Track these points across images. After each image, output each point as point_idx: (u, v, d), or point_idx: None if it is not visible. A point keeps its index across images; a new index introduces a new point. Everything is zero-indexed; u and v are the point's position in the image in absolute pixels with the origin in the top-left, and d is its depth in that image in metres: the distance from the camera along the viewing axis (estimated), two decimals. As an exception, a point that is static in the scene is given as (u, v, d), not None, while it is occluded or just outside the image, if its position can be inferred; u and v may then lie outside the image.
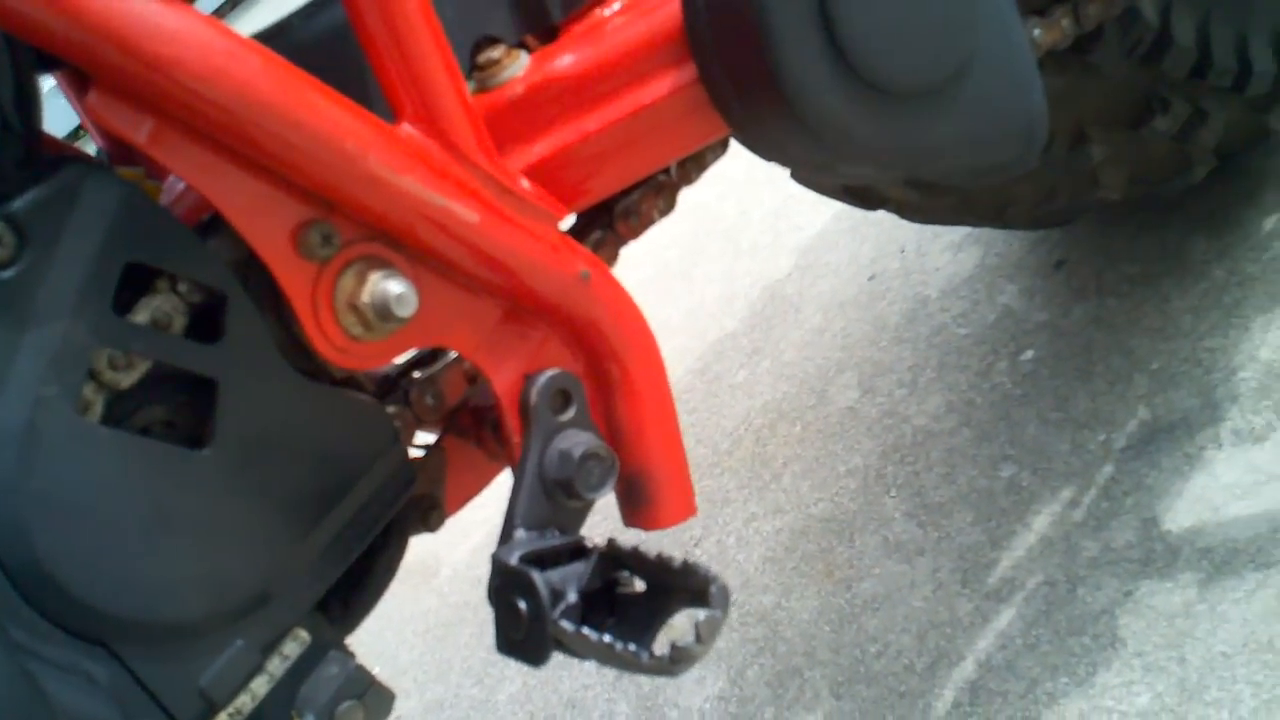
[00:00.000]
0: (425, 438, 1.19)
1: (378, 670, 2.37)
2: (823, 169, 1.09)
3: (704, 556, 2.14)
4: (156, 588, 0.87)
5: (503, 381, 1.02)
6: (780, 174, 3.05)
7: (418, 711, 2.35)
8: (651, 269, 3.13)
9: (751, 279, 2.85)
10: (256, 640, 0.94)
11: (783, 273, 2.77)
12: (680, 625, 0.88)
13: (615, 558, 0.94)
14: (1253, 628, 1.42)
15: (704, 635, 0.84)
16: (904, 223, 2.52)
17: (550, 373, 1.02)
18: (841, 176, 1.20)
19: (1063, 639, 1.58)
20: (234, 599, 0.92)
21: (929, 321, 2.27)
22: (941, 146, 1.03)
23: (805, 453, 2.21)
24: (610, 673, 2.09)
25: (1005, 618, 1.66)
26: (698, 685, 1.94)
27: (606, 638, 0.87)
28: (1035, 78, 1.08)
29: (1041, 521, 1.75)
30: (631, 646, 0.86)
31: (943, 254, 2.41)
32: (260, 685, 0.94)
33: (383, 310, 0.91)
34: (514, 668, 2.27)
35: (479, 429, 1.17)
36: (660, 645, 0.87)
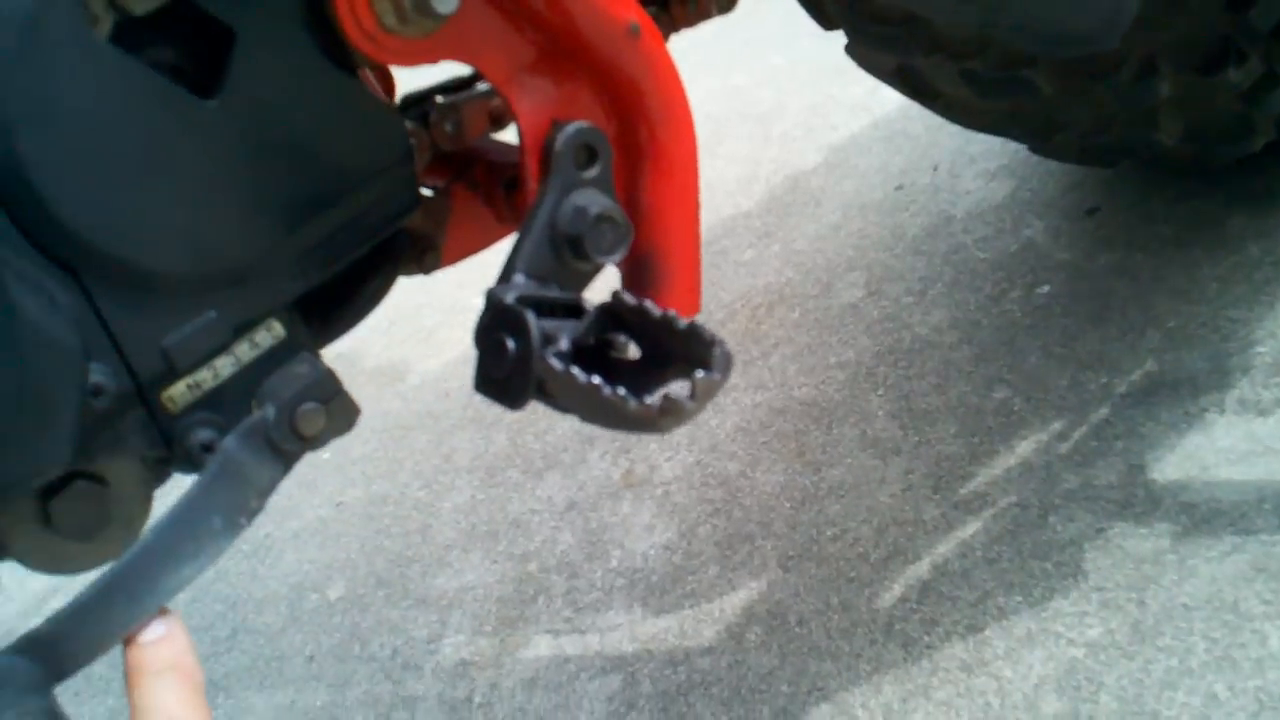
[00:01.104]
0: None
1: (326, 456, 2.38)
2: None
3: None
4: (136, 228, 0.84)
5: (529, 120, 0.97)
6: (821, 75, 3.03)
7: (362, 501, 2.34)
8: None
9: (776, 166, 2.82)
10: (228, 318, 0.90)
11: (809, 166, 2.74)
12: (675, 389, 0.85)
13: (616, 314, 0.91)
14: (1219, 587, 1.43)
15: (700, 393, 0.81)
16: (940, 142, 2.51)
17: (581, 123, 0.97)
18: (925, 6, 1.15)
19: (1024, 560, 1.58)
20: (210, 266, 0.88)
21: (949, 239, 2.26)
22: None
23: (799, 338, 2.20)
24: (559, 502, 2.09)
25: (970, 529, 1.66)
26: (646, 532, 1.94)
27: (595, 379, 0.83)
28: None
29: (1025, 447, 1.74)
30: (620, 390, 0.82)
31: (975, 179, 2.39)
32: (224, 365, 0.91)
33: (422, 2, 0.87)
34: (464, 479, 2.26)
35: (491, 186, 1.13)
36: (651, 398, 0.84)
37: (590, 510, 2.05)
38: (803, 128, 2.95)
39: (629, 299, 0.89)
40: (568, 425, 2.25)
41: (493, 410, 2.41)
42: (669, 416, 0.83)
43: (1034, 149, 2.07)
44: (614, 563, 1.92)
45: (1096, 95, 1.77)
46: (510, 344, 0.90)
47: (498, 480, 2.22)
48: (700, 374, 0.82)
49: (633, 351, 0.92)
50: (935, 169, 2.50)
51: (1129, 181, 2.16)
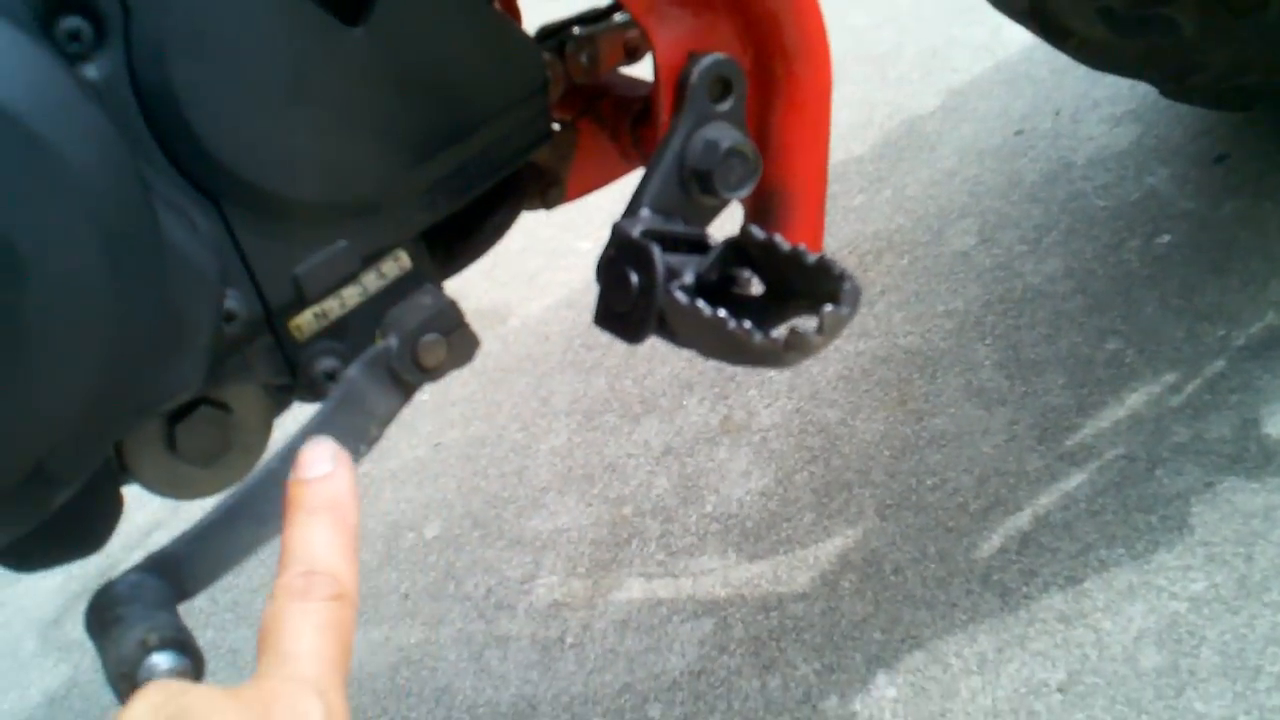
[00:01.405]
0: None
1: (425, 398, 2.39)
2: None
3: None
4: (278, 157, 0.84)
5: (666, 51, 0.96)
6: (944, 15, 2.95)
7: (460, 443, 2.35)
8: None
9: (891, 110, 2.75)
10: (358, 248, 0.91)
11: (926, 110, 2.67)
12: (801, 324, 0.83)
13: (742, 249, 0.89)
14: (1334, 544, 1.36)
15: (827, 327, 0.79)
16: (1064, 86, 2.43)
17: (717, 55, 0.95)
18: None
19: (1129, 512, 1.52)
20: (346, 196, 0.89)
21: (1068, 187, 2.18)
22: None
23: (906, 285, 2.14)
24: (655, 446, 2.07)
25: (1074, 481, 1.61)
26: (742, 478, 1.91)
27: (721, 312, 0.82)
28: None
29: (1136, 399, 1.68)
30: (746, 324, 0.81)
31: (1099, 125, 2.30)
32: (352, 295, 0.92)
33: None
34: (561, 423, 2.25)
35: (618, 122, 1.12)
36: (777, 331, 0.82)
37: (686, 455, 2.02)
38: (921, 69, 2.87)
39: (758, 233, 0.87)
40: (666, 370, 2.23)
41: (592, 354, 2.40)
42: (794, 351, 0.81)
43: (1166, 92, 1.98)
44: (709, 508, 1.89)
45: (1239, 34, 1.68)
46: (634, 277, 0.89)
47: (595, 424, 2.21)
48: (829, 308, 0.80)
49: (756, 288, 0.91)
50: (1058, 114, 2.41)
51: (1261, 127, 2.06)
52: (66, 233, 0.71)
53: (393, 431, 2.40)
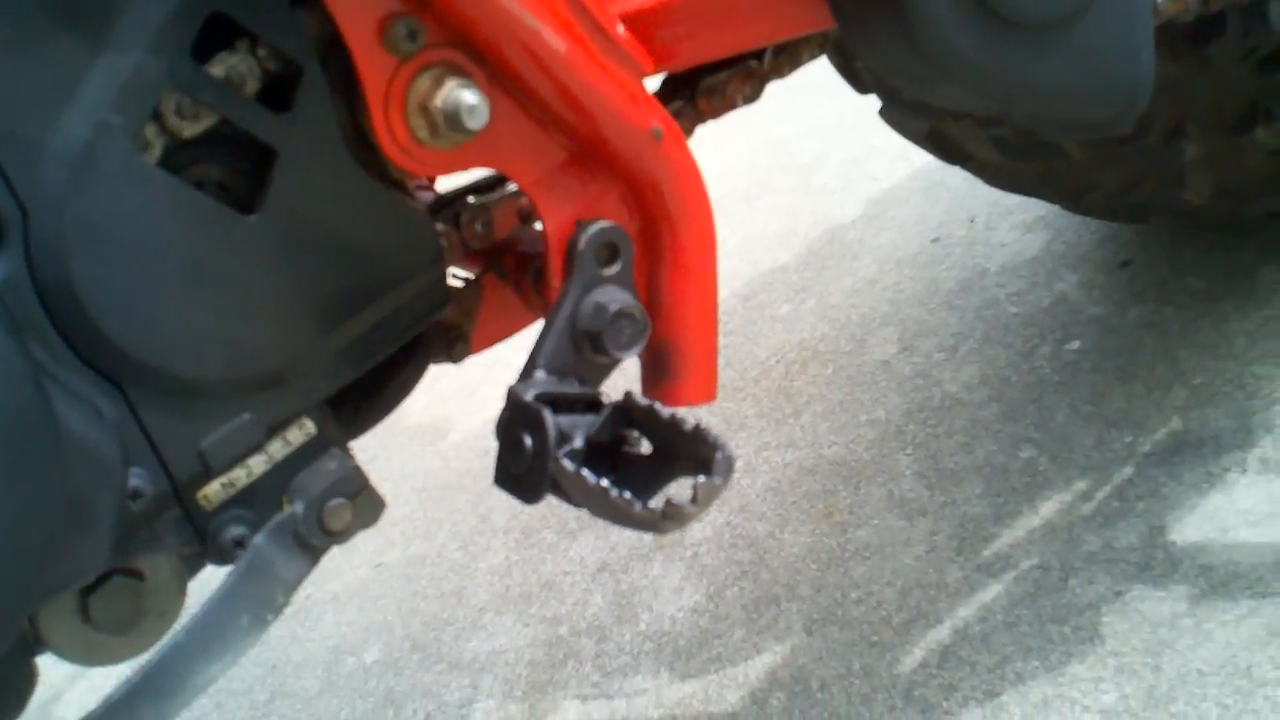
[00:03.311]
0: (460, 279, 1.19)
1: (367, 516, 2.39)
2: (919, 83, 1.07)
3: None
4: (179, 340, 0.88)
5: (555, 221, 1.01)
6: (866, 124, 3.03)
7: (400, 563, 2.37)
8: (719, 190, 3.09)
9: (815, 219, 2.83)
10: (263, 418, 0.94)
11: (848, 219, 2.75)
12: (678, 493, 0.88)
13: (628, 412, 0.93)
14: (1234, 651, 1.41)
15: (700, 498, 0.84)
16: (978, 193, 2.51)
17: (604, 223, 1.01)
18: (936, 97, 1.16)
19: (1043, 624, 1.57)
20: (250, 371, 0.92)
21: (983, 294, 2.25)
22: (1043, 85, 1.01)
23: (831, 395, 2.20)
24: (590, 563, 2.10)
25: (991, 592, 1.65)
26: (675, 594, 1.95)
27: (604, 482, 0.86)
28: (1150, 42, 1.05)
29: (1049, 507, 1.73)
30: (627, 494, 0.85)
31: (1011, 231, 2.38)
32: (258, 464, 0.95)
33: (453, 118, 0.90)
34: (499, 540, 2.28)
35: (520, 275, 1.16)
36: (655, 501, 0.86)
37: (621, 572, 2.05)
38: (843, 179, 2.95)
39: (640, 400, 0.93)
40: (602, 485, 2.26)
41: (530, 470, 2.42)
42: (671, 521, 0.87)
43: (1066, 208, 2.07)
44: (643, 625, 1.93)
45: (1125, 158, 1.76)
46: (528, 441, 0.93)
47: (532, 541, 2.24)
48: (702, 479, 0.85)
49: (645, 446, 0.95)
50: (972, 221, 2.49)
51: (1163, 233, 2.14)
52: None
53: (335, 553, 2.40)
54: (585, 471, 0.88)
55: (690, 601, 1.92)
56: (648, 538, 2.09)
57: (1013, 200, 2.46)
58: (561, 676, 1.91)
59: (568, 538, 2.20)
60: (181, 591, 0.98)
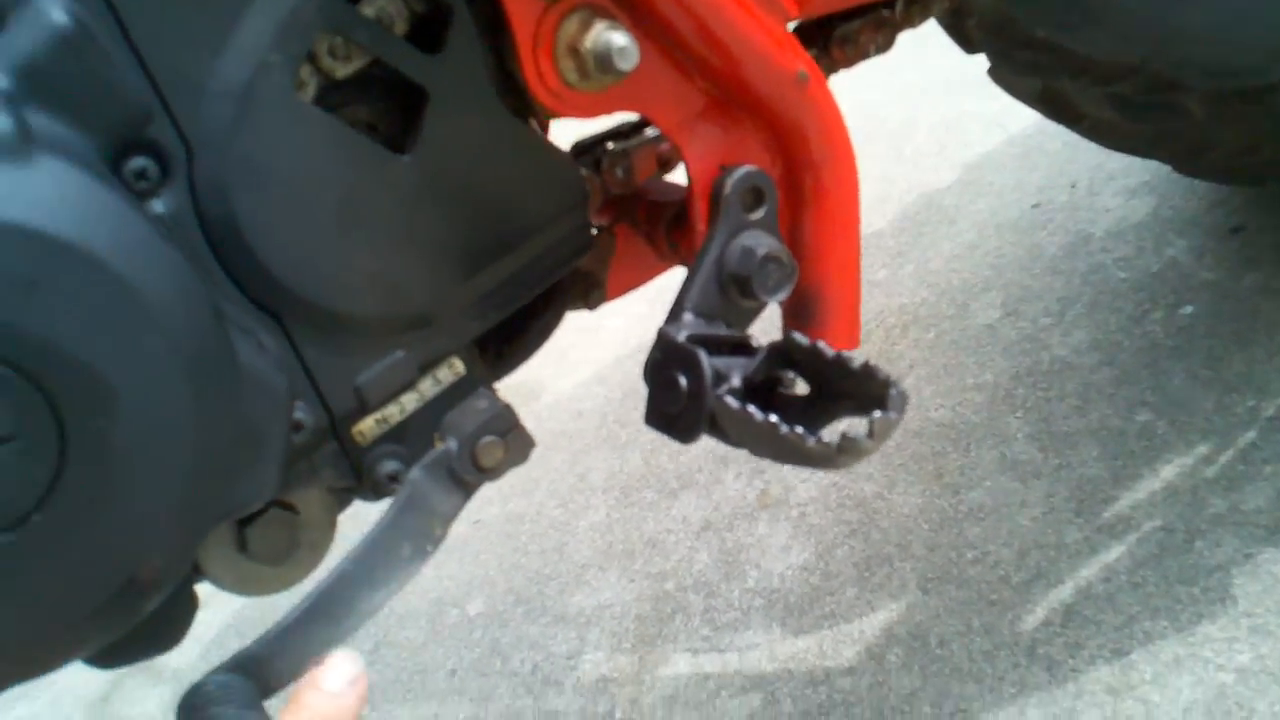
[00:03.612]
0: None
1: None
2: (1066, 30, 1.06)
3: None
4: (337, 276, 0.90)
5: (698, 166, 1.02)
6: (957, 88, 3.01)
7: (499, 519, 2.39)
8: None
9: (909, 185, 2.81)
10: (415, 357, 0.97)
11: (943, 184, 2.74)
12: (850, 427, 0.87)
13: (787, 354, 0.94)
14: (1374, 613, 1.40)
15: (877, 432, 0.84)
16: (1079, 159, 2.49)
17: (748, 168, 1.01)
18: (1081, 42, 1.15)
19: (1170, 585, 1.56)
20: (401, 309, 0.95)
21: (1088, 259, 2.23)
22: (1190, 31, 1.00)
23: (934, 359, 2.19)
24: (694, 521, 2.11)
25: (1114, 553, 1.65)
26: (783, 553, 1.95)
27: (773, 418, 0.87)
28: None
29: (1170, 470, 1.72)
30: (799, 429, 0.85)
31: (1115, 196, 2.36)
32: (410, 400, 0.97)
33: (603, 59, 0.91)
34: (599, 499, 2.29)
35: (653, 225, 1.17)
36: (829, 435, 0.86)
37: (726, 530, 2.06)
38: (936, 144, 2.94)
39: (802, 340, 0.92)
40: (701, 446, 2.26)
41: (626, 430, 2.44)
42: (847, 455, 0.86)
43: (1179, 169, 2.05)
44: (751, 582, 1.93)
45: (1248, 117, 1.74)
46: (683, 381, 0.94)
47: (633, 500, 2.25)
48: (878, 414, 0.84)
49: (800, 388, 0.95)
50: (1073, 186, 2.47)
51: (1275, 199, 2.12)
52: (151, 363, 0.76)
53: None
54: (752, 408, 0.88)
55: (799, 559, 1.93)
56: (750, 496, 2.10)
57: (1115, 165, 2.44)
58: (670, 630, 1.92)
59: (669, 496, 2.21)
60: (332, 525, 1.01)
